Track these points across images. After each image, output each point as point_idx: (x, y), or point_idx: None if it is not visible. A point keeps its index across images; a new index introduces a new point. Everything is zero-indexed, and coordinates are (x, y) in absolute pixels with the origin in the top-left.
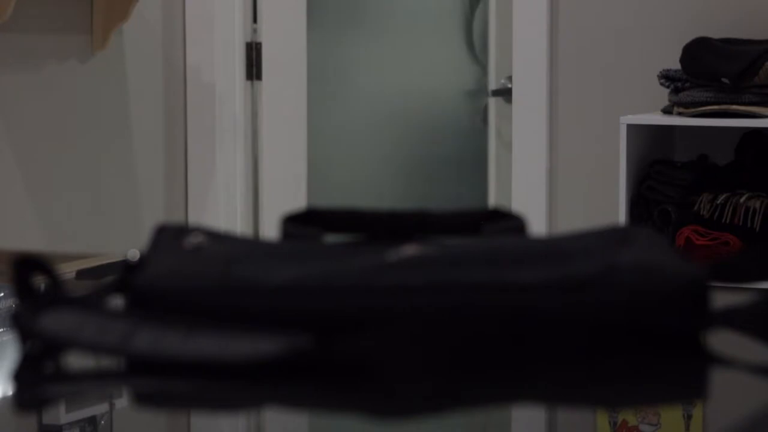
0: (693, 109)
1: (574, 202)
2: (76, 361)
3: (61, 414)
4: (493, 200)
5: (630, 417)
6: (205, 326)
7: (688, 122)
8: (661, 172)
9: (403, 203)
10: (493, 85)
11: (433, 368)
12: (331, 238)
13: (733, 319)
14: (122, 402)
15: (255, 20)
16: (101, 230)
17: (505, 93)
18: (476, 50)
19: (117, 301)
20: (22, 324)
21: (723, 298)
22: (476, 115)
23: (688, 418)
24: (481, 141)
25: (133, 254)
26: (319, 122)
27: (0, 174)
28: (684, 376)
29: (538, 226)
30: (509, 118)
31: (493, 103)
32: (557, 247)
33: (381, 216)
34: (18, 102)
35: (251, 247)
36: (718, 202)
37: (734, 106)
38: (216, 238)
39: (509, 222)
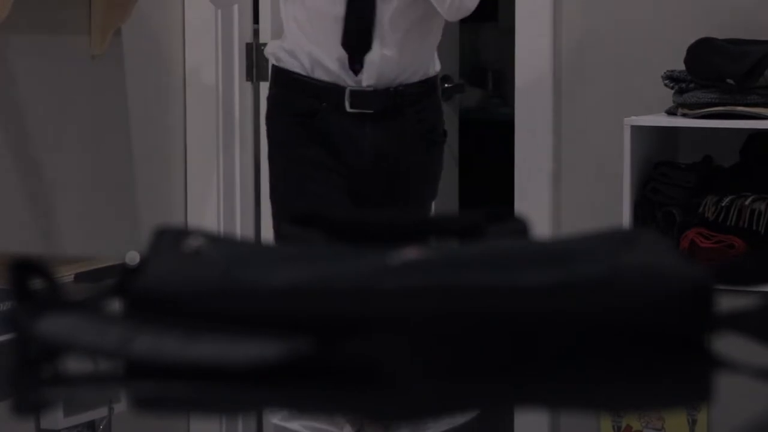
0: (697, 111)
1: (578, 204)
2: (74, 365)
3: (59, 419)
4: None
5: (634, 421)
6: (204, 330)
7: (693, 123)
8: (666, 173)
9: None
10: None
11: (436, 371)
12: (331, 241)
13: (738, 322)
14: (121, 406)
15: (255, 21)
16: (100, 233)
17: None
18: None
19: (116, 305)
20: (20, 327)
21: (728, 301)
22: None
23: (693, 422)
24: None
25: (132, 257)
26: None
27: None
28: (688, 380)
29: (541, 228)
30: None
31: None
32: (561, 250)
33: (382, 218)
34: (16, 102)
35: (251, 250)
36: (723, 204)
37: (739, 107)
38: (215, 241)
39: (512, 224)
